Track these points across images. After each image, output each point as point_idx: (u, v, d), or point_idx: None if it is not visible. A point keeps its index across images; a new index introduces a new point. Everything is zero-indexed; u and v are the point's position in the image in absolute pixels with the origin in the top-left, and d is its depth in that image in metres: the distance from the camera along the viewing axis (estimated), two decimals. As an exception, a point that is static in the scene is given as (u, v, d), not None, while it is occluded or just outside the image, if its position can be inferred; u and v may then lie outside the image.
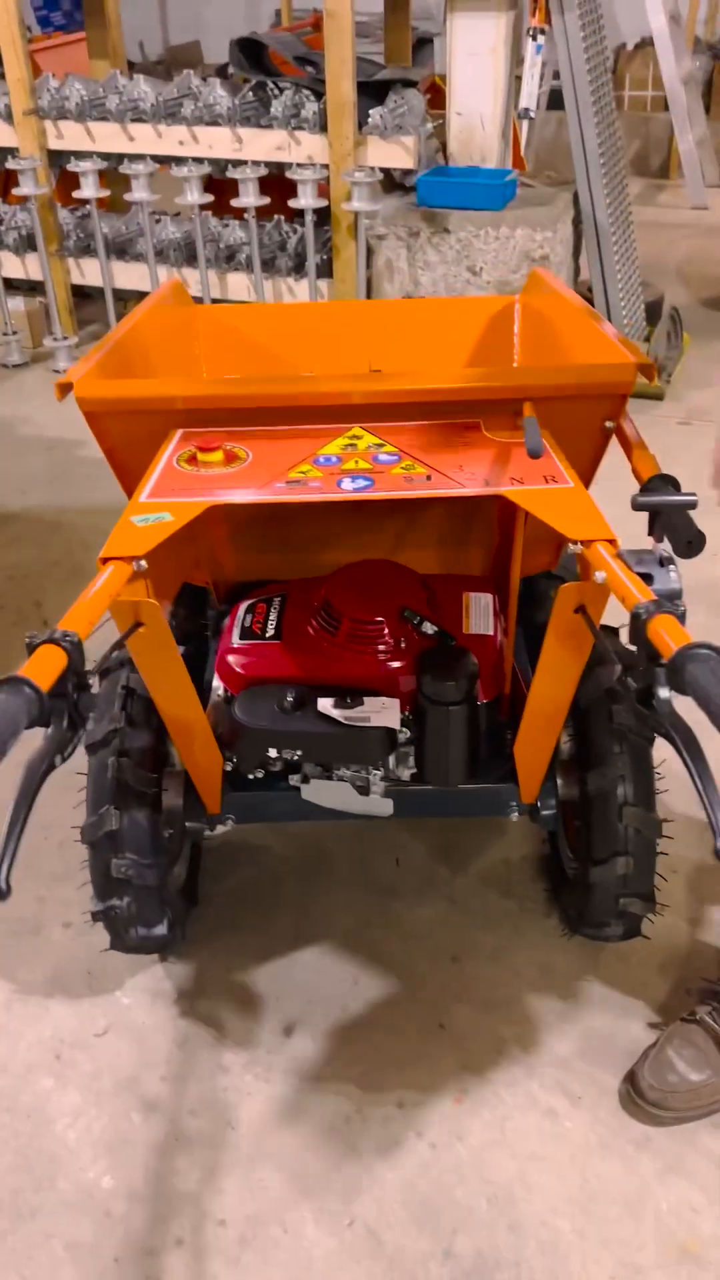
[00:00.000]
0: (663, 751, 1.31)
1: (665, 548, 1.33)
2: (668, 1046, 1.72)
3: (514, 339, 2.31)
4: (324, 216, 4.20)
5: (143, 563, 1.30)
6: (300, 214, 4.06)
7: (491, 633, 1.77)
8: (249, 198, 4.03)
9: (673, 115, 6.48)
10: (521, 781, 1.75)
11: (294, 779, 1.75)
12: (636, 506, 1.34)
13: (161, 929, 1.80)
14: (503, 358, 2.30)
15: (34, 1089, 1.79)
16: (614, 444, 1.69)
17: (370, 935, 2.03)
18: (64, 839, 2.16)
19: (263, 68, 4.78)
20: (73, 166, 4.34)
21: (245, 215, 4.11)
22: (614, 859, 1.70)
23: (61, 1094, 1.78)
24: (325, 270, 4.27)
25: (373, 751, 1.63)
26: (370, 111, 3.97)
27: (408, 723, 1.68)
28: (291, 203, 4.03)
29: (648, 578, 1.28)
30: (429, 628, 1.69)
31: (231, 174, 4.06)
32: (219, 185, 4.34)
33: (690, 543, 1.30)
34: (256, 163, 4.10)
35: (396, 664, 1.69)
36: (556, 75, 4.31)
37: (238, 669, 1.74)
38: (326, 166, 4.04)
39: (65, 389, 1.59)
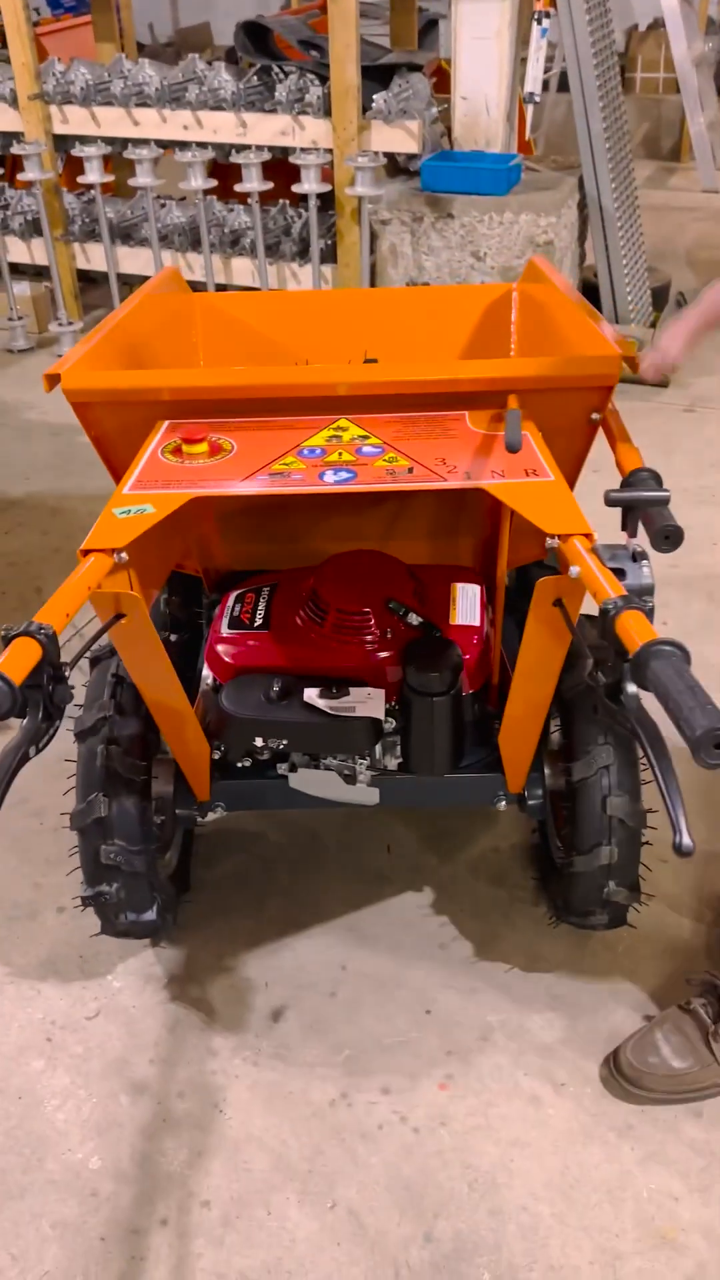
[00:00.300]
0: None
1: (638, 543, 1.34)
2: (657, 1030, 1.74)
3: (511, 327, 2.31)
4: (328, 201, 4.18)
5: (123, 555, 1.31)
6: (304, 199, 4.05)
7: (478, 623, 1.78)
8: (253, 183, 4.03)
9: (684, 97, 6.43)
10: (507, 771, 1.76)
11: (281, 768, 1.77)
12: (609, 502, 1.34)
13: (151, 914, 1.82)
14: (499, 346, 2.30)
15: (24, 1070, 1.81)
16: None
17: (360, 922, 2.05)
18: (59, 825, 2.18)
19: (268, 52, 4.76)
20: (77, 151, 4.34)
21: (249, 200, 4.10)
22: (598, 848, 1.71)
23: (51, 1075, 1.81)
24: (329, 255, 4.26)
25: (358, 741, 1.65)
26: (374, 96, 3.96)
27: (393, 713, 1.69)
28: (295, 188, 4.02)
29: (620, 573, 1.29)
30: (415, 619, 1.70)
31: (235, 159, 4.05)
32: (224, 170, 4.34)
33: (668, 537, 1.31)
34: (260, 147, 4.09)
35: (383, 655, 1.70)
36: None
37: (226, 658, 1.76)
38: (330, 151, 4.02)
39: (53, 380, 1.60)
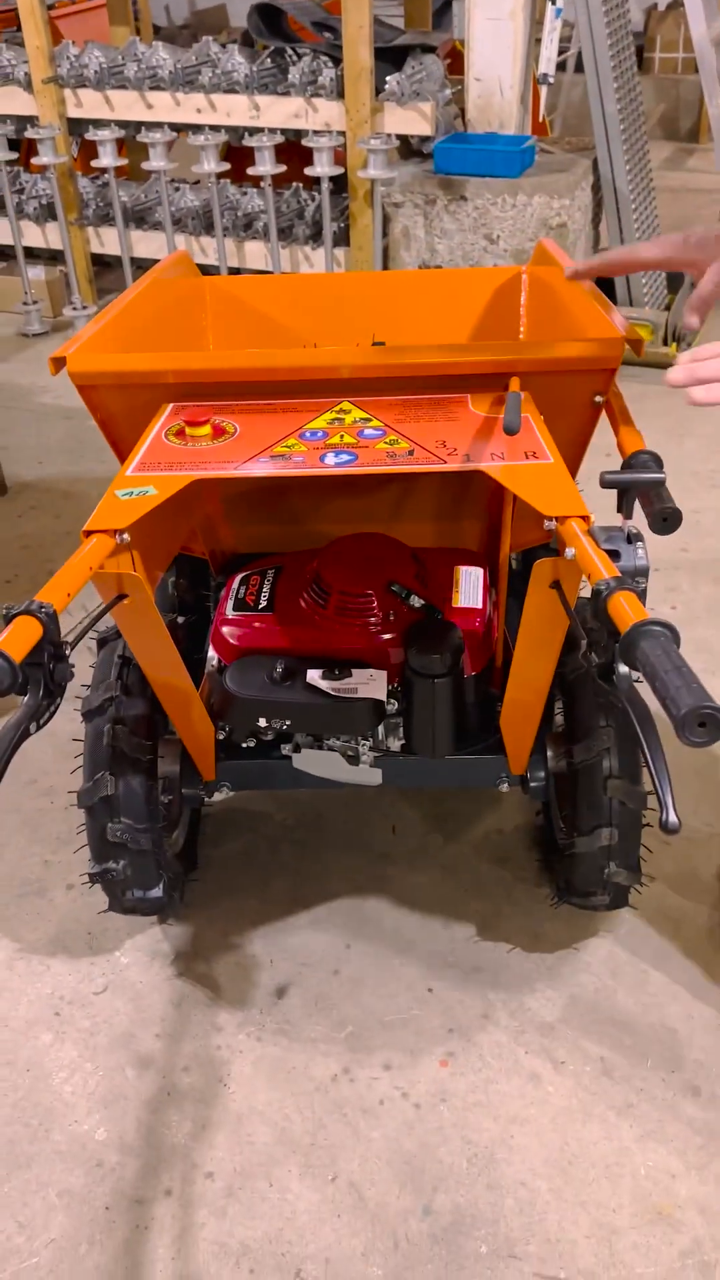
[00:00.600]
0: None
1: (634, 525, 1.34)
2: None
3: (520, 310, 2.31)
4: (341, 184, 4.18)
5: (125, 535, 1.32)
6: (317, 182, 4.05)
7: (481, 606, 1.79)
8: (265, 166, 4.02)
9: (702, 78, 6.34)
10: (509, 753, 1.78)
11: (285, 748, 1.78)
12: (604, 484, 1.35)
13: (157, 892, 1.85)
14: (509, 329, 2.30)
15: (33, 1044, 1.85)
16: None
17: (364, 901, 2.07)
18: (68, 804, 2.22)
19: (281, 33, 4.75)
20: (91, 135, 4.34)
21: (262, 183, 4.10)
22: (599, 830, 1.72)
23: (59, 1049, 1.84)
24: (342, 239, 4.26)
25: (360, 722, 1.66)
26: (388, 77, 3.94)
27: (396, 694, 1.70)
28: (308, 170, 4.02)
29: (615, 554, 1.30)
30: (416, 601, 1.71)
31: (248, 142, 4.05)
32: (237, 153, 4.34)
33: (666, 519, 1.31)
34: (273, 130, 4.08)
35: (385, 637, 1.72)
36: (578, 39, 4.24)
37: (231, 640, 1.77)
38: (343, 134, 4.01)
39: (59, 363, 1.61)
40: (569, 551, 1.22)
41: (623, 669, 1.05)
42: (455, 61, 4.60)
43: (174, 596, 2.15)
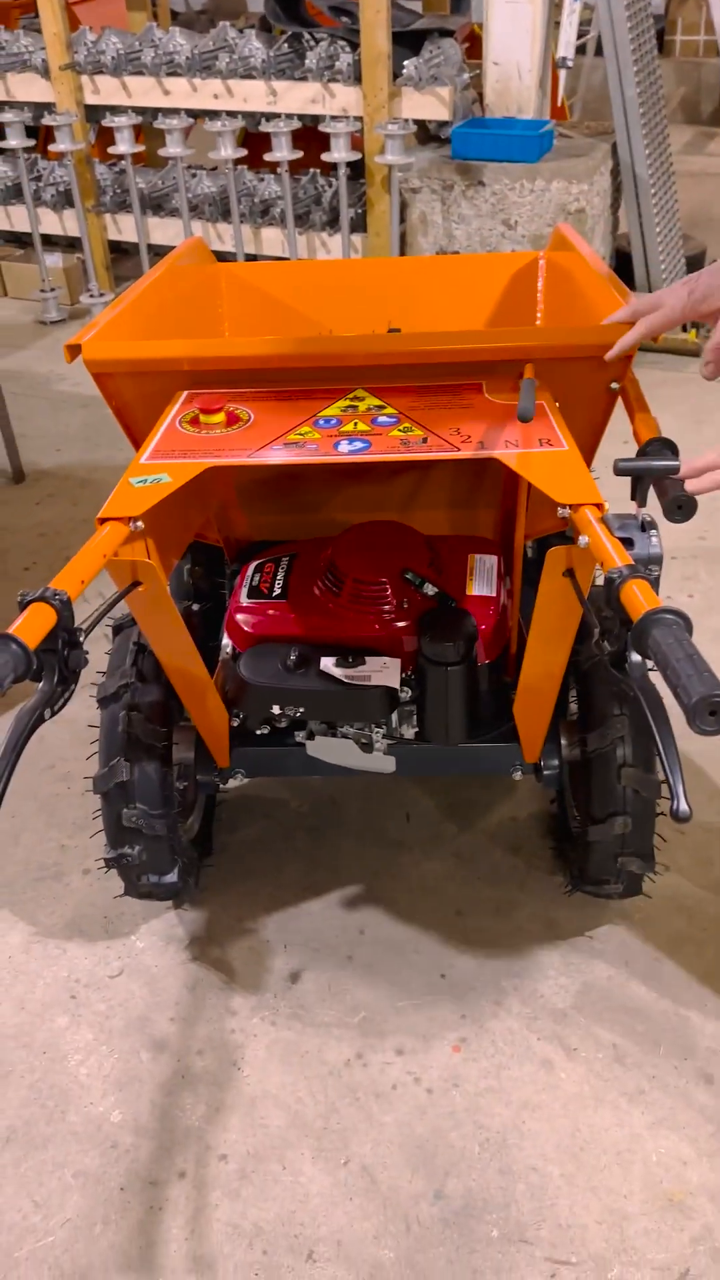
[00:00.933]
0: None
1: (647, 513, 1.34)
2: None
3: (538, 296, 2.30)
4: (358, 170, 4.17)
5: (139, 523, 1.33)
6: (334, 167, 4.03)
7: (494, 594, 1.79)
8: (282, 151, 4.01)
9: (724, 60, 6.30)
10: (523, 741, 1.78)
11: (299, 735, 1.79)
12: (618, 471, 1.34)
13: (172, 877, 1.86)
14: (526, 315, 2.29)
15: (49, 1026, 1.87)
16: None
17: (378, 887, 2.08)
18: (85, 789, 2.23)
19: (299, 18, 4.73)
20: (108, 121, 4.34)
21: (279, 169, 4.09)
22: (613, 818, 1.72)
23: (75, 1032, 1.86)
24: (359, 225, 4.25)
25: (373, 710, 1.67)
26: (405, 62, 3.92)
27: (409, 682, 1.71)
28: (325, 156, 4.01)
29: (628, 542, 1.29)
30: (430, 589, 1.71)
31: (265, 128, 4.04)
32: (254, 139, 4.33)
33: (680, 507, 1.31)
34: (290, 116, 4.07)
35: (399, 625, 1.72)
36: (598, 22, 4.20)
37: (245, 627, 1.78)
38: (360, 119, 4.00)
39: (74, 350, 1.62)
40: (582, 539, 1.22)
41: (635, 657, 1.05)
42: (473, 45, 4.56)
43: (189, 584, 2.16)
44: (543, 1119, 1.70)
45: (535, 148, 3.88)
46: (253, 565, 1.90)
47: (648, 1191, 1.61)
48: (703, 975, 1.89)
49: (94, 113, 4.53)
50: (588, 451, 1.78)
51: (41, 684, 1.12)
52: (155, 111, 4.36)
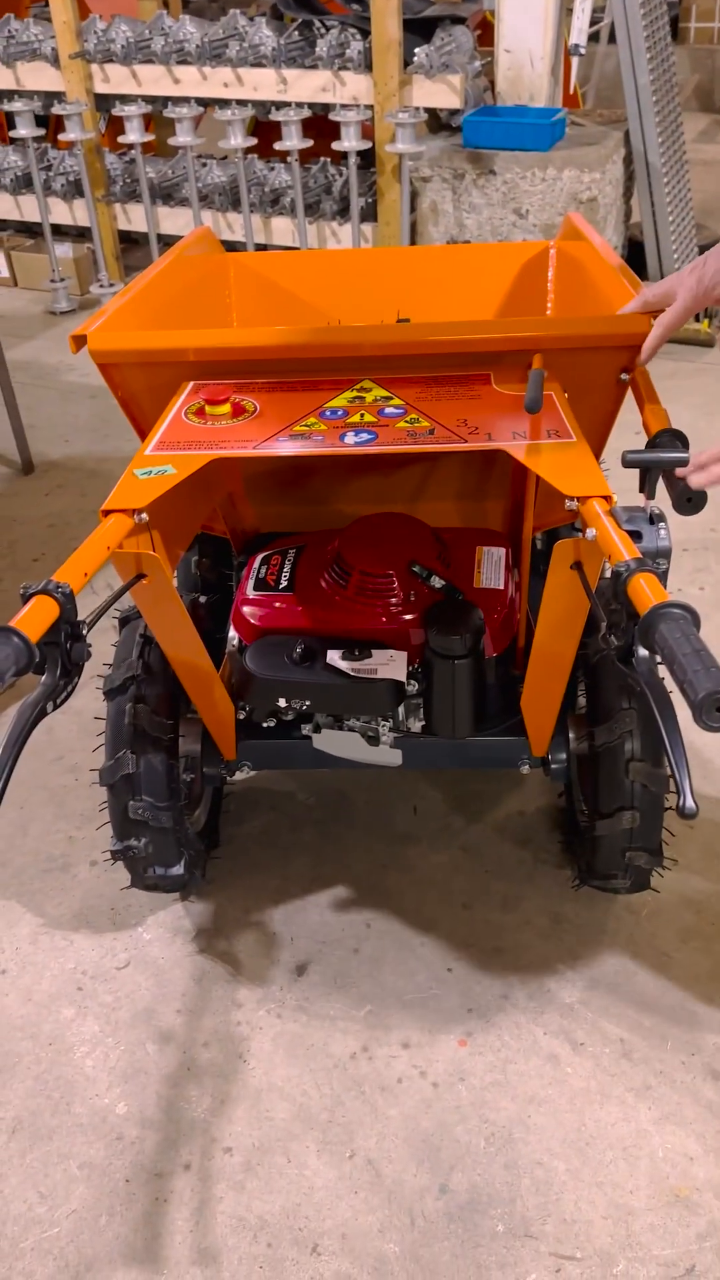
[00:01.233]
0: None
1: (656, 505, 1.32)
2: None
3: (548, 286, 2.28)
4: (368, 159, 4.14)
5: (144, 515, 1.32)
6: (345, 156, 4.01)
7: (502, 586, 1.78)
8: (292, 140, 3.99)
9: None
10: (530, 735, 1.77)
11: (306, 728, 1.78)
12: (627, 463, 1.33)
13: (178, 869, 1.86)
14: (537, 305, 2.27)
15: (56, 1018, 1.87)
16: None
17: (384, 880, 2.08)
18: (93, 780, 2.22)
19: (309, 6, 4.70)
20: (118, 110, 4.32)
21: (289, 158, 4.07)
22: (620, 813, 1.71)
23: (81, 1023, 1.86)
24: (370, 214, 4.23)
25: (380, 703, 1.66)
26: (416, 50, 3.90)
27: (416, 675, 1.70)
28: (335, 145, 3.98)
29: (636, 535, 1.28)
30: (437, 581, 1.70)
31: (275, 116, 4.02)
32: (264, 128, 4.31)
33: (690, 500, 1.29)
34: (300, 104, 4.05)
35: (406, 617, 1.71)
36: (611, 8, 4.16)
37: (251, 620, 1.77)
38: (371, 107, 3.97)
39: (80, 341, 1.61)
40: (590, 532, 1.21)
41: (642, 651, 1.04)
42: (485, 33, 4.53)
43: (197, 576, 2.16)
44: (549, 1113, 1.69)
45: (547, 136, 3.85)
46: (259, 557, 1.89)
47: (654, 1187, 1.60)
48: (711, 971, 1.88)
49: (104, 102, 4.52)
50: (597, 443, 1.76)
51: (44, 677, 1.12)
52: (165, 100, 4.35)
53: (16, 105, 4.41)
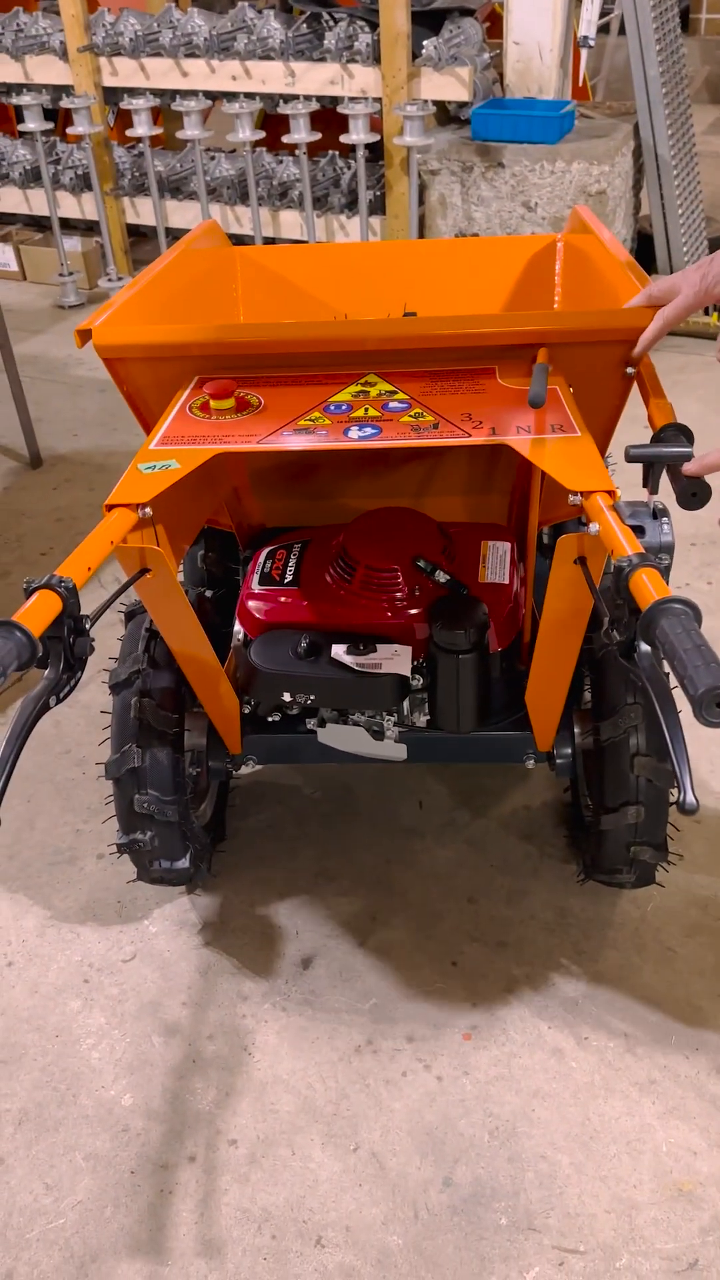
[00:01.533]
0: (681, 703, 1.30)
1: (659, 500, 1.32)
2: None
3: (555, 279, 2.28)
4: (377, 152, 4.13)
5: (148, 510, 1.32)
6: (353, 149, 4.00)
7: (507, 581, 1.78)
8: (300, 133, 3.98)
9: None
10: (535, 730, 1.77)
11: (311, 723, 1.79)
12: (630, 458, 1.32)
13: (184, 863, 1.86)
14: (544, 299, 2.27)
15: (62, 1010, 1.88)
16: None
17: (389, 874, 2.08)
18: (100, 774, 2.23)
19: (318, -3, 4.68)
20: (126, 104, 4.32)
21: (297, 152, 4.07)
22: (625, 808, 1.71)
23: (88, 1015, 1.87)
24: (378, 207, 4.22)
25: (384, 698, 1.66)
26: (425, 42, 3.88)
27: (421, 670, 1.70)
28: (343, 138, 3.97)
29: (639, 530, 1.28)
30: (442, 576, 1.70)
31: (283, 109, 4.01)
32: (273, 121, 4.30)
33: (694, 495, 1.29)
34: (309, 97, 4.04)
35: (410, 612, 1.71)
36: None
37: (256, 614, 1.78)
38: (379, 100, 3.96)
39: (85, 336, 1.61)
40: (593, 526, 1.21)
41: (644, 646, 1.04)
42: (494, 25, 4.51)
43: (203, 570, 2.16)
44: (553, 1107, 1.70)
45: (556, 129, 3.83)
46: (264, 552, 1.89)
47: (657, 1181, 1.60)
48: (716, 966, 1.88)
49: (112, 95, 4.52)
50: (603, 437, 1.76)
51: (47, 671, 1.12)
52: (173, 93, 4.34)
53: (25, 99, 4.41)
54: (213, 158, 4.55)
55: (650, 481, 1.35)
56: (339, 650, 1.65)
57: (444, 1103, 1.71)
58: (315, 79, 4.07)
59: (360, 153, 3.97)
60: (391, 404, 1.49)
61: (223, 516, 1.98)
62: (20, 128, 4.58)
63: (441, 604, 1.68)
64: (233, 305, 2.29)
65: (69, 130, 4.49)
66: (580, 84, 4.30)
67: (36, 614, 1.09)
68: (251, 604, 1.79)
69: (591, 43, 4.00)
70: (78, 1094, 1.75)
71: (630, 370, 1.62)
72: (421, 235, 4.12)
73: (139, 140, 4.38)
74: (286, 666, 1.67)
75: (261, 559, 1.87)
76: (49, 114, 4.60)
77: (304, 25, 4.12)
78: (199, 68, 4.24)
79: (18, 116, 4.59)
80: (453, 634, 1.62)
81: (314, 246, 3.91)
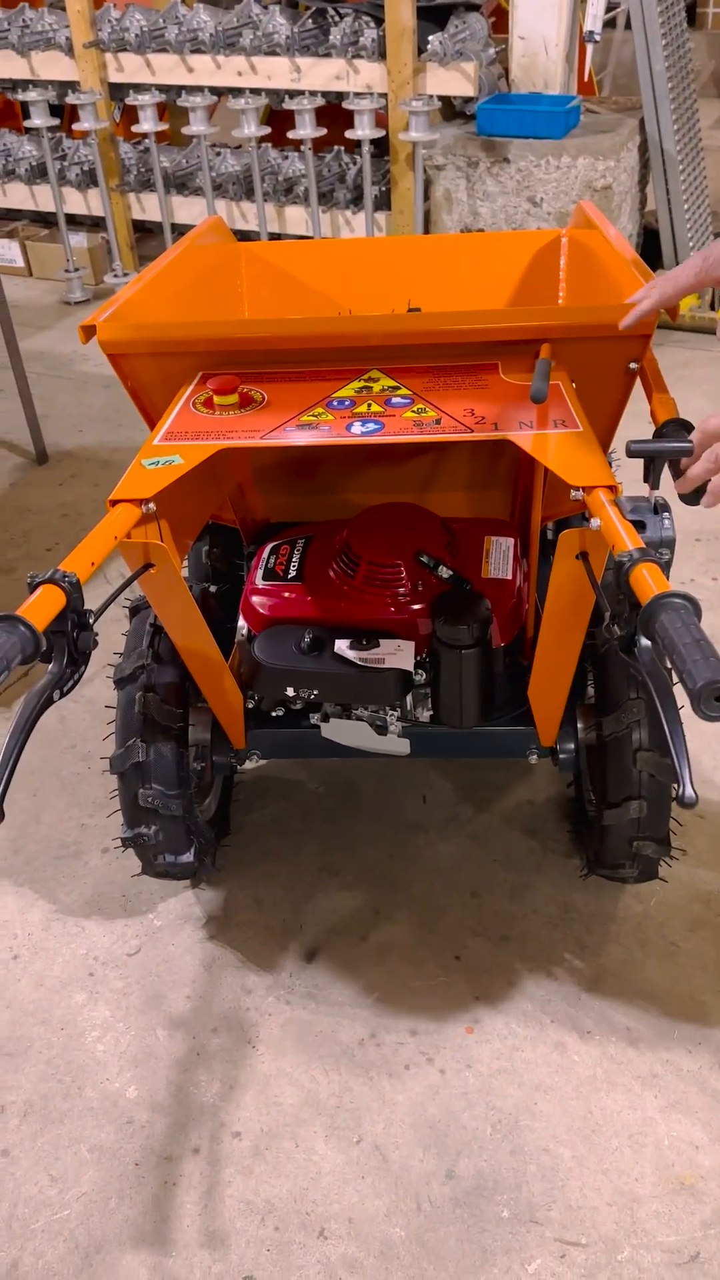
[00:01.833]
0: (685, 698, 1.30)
1: (661, 495, 1.32)
2: None
3: (560, 275, 2.27)
4: (382, 147, 4.13)
5: (151, 505, 1.33)
6: (359, 145, 4.00)
7: (510, 576, 1.78)
8: (306, 129, 3.98)
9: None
10: (538, 724, 1.77)
11: (314, 717, 1.79)
12: (631, 453, 1.33)
13: (188, 856, 1.87)
14: (548, 294, 2.27)
15: (68, 1003, 1.89)
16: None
17: (393, 868, 2.09)
18: (105, 768, 2.24)
19: (324, -8, 4.68)
20: (132, 100, 4.33)
21: (302, 147, 4.07)
22: (628, 802, 1.71)
23: (93, 1009, 1.88)
24: (383, 202, 4.22)
25: (387, 693, 1.67)
26: (430, 37, 3.88)
27: (424, 665, 1.70)
28: (349, 133, 3.97)
29: (640, 525, 1.28)
30: (445, 571, 1.71)
31: (289, 105, 4.01)
32: (278, 117, 4.30)
33: (698, 489, 1.29)
34: (314, 93, 4.04)
35: (414, 607, 1.71)
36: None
37: (260, 609, 1.78)
38: (385, 95, 3.96)
39: (89, 331, 1.62)
40: (594, 521, 1.21)
41: (644, 641, 1.04)
42: (500, 20, 4.50)
43: (207, 565, 2.17)
44: (555, 1101, 1.70)
45: (561, 124, 3.82)
46: (268, 547, 1.90)
47: (659, 1175, 1.61)
48: (718, 960, 1.88)
49: (118, 91, 4.52)
50: (606, 432, 1.76)
51: (51, 666, 1.13)
52: (179, 89, 4.34)
53: (31, 95, 4.41)
54: (218, 153, 4.55)
55: (651, 477, 1.35)
56: (342, 645, 1.66)
57: (446, 1096, 1.72)
58: (321, 74, 4.07)
59: (365, 148, 3.97)
60: (394, 399, 1.49)
61: (226, 512, 1.99)
62: (26, 124, 4.58)
63: (444, 599, 1.68)
64: (238, 301, 2.29)
65: (75, 126, 4.50)
66: (586, 79, 4.30)
67: (40, 608, 1.10)
68: (255, 599, 1.80)
69: (597, 37, 3.99)
70: (83, 1086, 1.76)
71: (633, 365, 1.62)
72: (427, 231, 4.12)
73: (145, 136, 4.38)
74: (290, 661, 1.68)
75: (265, 554, 1.88)
76: (55, 110, 4.61)
77: (309, 21, 4.12)
78: (204, 63, 4.24)
79: (24, 112, 4.60)
80: (456, 629, 1.63)
81: (319, 242, 3.90)
